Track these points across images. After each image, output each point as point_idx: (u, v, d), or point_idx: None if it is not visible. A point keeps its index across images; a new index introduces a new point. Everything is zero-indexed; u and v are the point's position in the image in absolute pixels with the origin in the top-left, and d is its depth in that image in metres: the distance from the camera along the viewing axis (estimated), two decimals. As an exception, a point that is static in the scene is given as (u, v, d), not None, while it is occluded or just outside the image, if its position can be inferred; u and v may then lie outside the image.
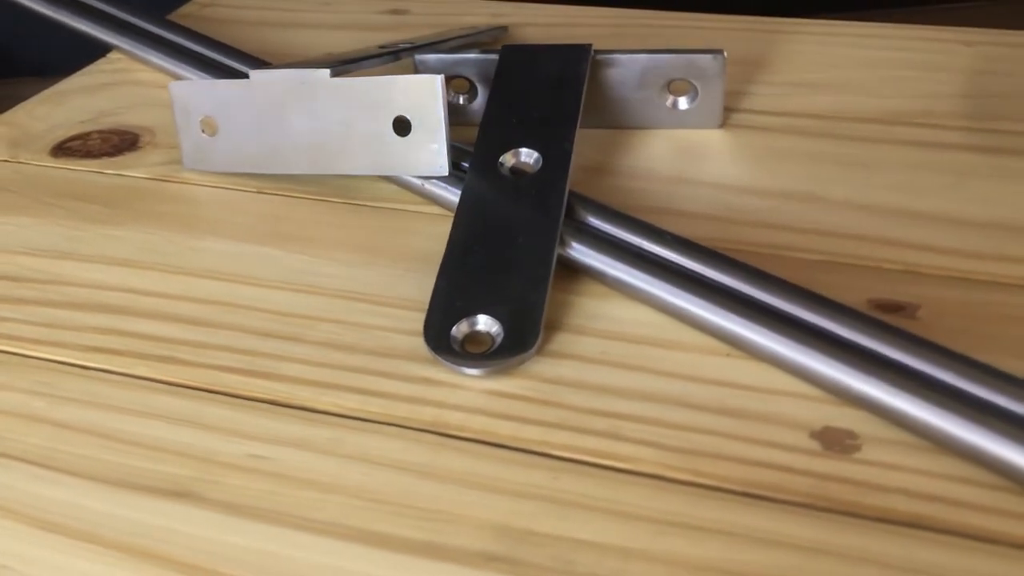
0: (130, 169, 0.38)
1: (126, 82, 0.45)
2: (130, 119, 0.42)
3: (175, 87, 0.36)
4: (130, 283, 0.32)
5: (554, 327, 0.29)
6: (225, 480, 0.25)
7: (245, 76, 0.35)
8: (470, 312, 0.28)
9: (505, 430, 0.26)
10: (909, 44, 0.43)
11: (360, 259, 0.32)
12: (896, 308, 0.28)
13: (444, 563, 0.22)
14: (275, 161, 0.35)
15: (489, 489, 0.24)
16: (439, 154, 0.33)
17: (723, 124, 0.38)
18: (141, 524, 0.24)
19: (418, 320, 0.28)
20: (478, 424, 0.26)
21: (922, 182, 0.34)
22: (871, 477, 0.24)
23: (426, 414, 0.26)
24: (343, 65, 0.35)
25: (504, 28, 0.46)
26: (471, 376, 0.27)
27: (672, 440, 0.25)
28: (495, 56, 0.38)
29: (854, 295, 0.29)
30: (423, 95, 0.32)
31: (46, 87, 0.44)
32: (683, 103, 0.38)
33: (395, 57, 0.38)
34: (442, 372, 0.27)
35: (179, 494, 0.24)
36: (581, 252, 0.30)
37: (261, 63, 0.42)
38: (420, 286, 0.30)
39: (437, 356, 0.27)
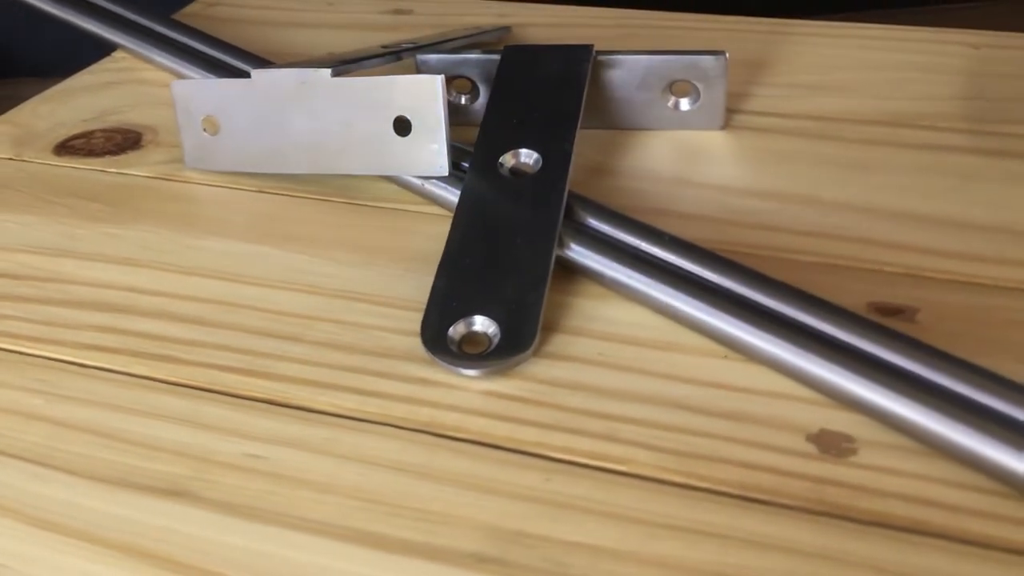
0: (132, 168, 0.38)
1: (130, 81, 0.45)
2: (134, 118, 0.42)
3: (177, 86, 0.36)
4: (129, 282, 0.32)
5: (552, 328, 0.29)
6: (221, 479, 0.25)
7: (247, 75, 0.35)
8: (467, 313, 0.28)
9: (501, 431, 0.26)
10: (913, 46, 0.43)
11: (360, 259, 0.32)
12: (895, 311, 0.28)
13: (437, 564, 0.22)
14: (276, 160, 0.35)
15: (484, 490, 0.24)
16: (439, 154, 0.33)
17: (725, 125, 0.38)
18: (137, 523, 0.24)
19: (417, 320, 0.28)
20: (474, 425, 0.26)
21: (925, 185, 0.34)
22: (867, 481, 0.23)
23: (423, 414, 0.26)
24: (344, 65, 0.35)
25: (507, 28, 0.46)
26: (468, 377, 0.27)
27: (668, 442, 0.25)
28: (497, 56, 0.38)
29: (853, 298, 0.29)
30: (423, 95, 0.32)
31: (46, 87, 0.44)
32: (685, 104, 0.38)
33: (397, 57, 0.38)
34: (439, 373, 0.27)
35: (176, 493, 0.24)
36: (579, 253, 0.30)
37: (265, 63, 0.42)
38: (419, 286, 0.30)
39: (434, 357, 0.27)
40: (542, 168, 0.33)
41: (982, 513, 0.23)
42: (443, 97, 0.32)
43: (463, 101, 0.39)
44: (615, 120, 0.38)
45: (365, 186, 0.36)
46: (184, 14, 0.51)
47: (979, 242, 0.31)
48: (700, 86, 0.37)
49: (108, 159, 0.39)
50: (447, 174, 0.33)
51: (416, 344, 0.28)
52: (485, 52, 0.39)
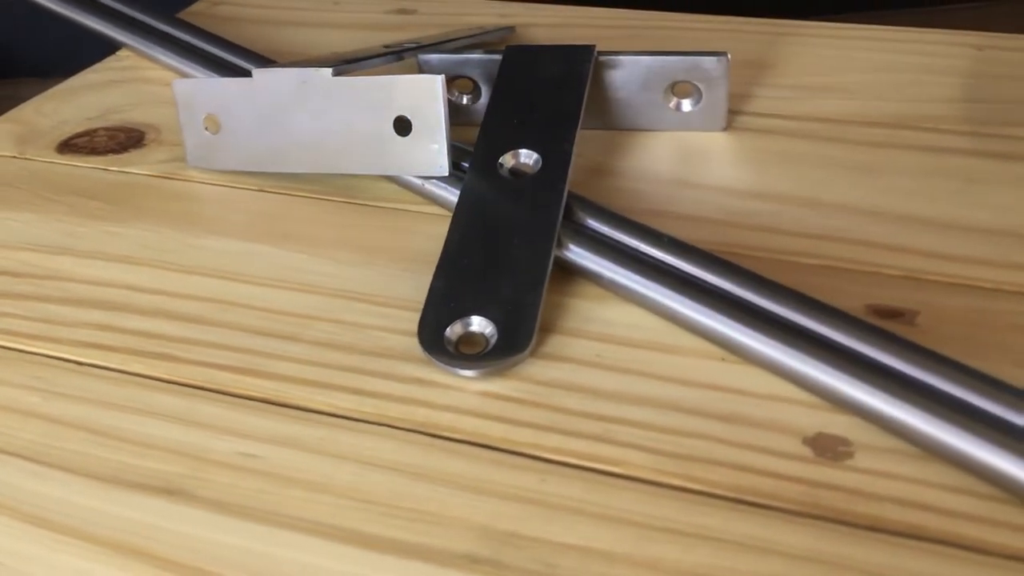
0: (134, 166, 0.38)
1: (134, 79, 0.45)
2: (137, 116, 0.42)
3: (179, 85, 0.36)
4: (128, 280, 0.32)
5: (549, 329, 0.29)
6: (216, 478, 0.25)
7: (249, 74, 0.35)
8: (465, 313, 0.28)
9: (496, 432, 0.25)
10: (916, 47, 0.43)
11: (359, 258, 0.32)
12: (894, 314, 0.28)
13: (429, 565, 0.22)
14: (277, 160, 0.35)
15: (478, 491, 0.24)
16: (439, 154, 0.33)
17: (727, 127, 0.38)
18: (131, 521, 0.24)
19: (414, 320, 0.28)
20: (470, 425, 0.26)
21: (929, 187, 0.34)
22: (863, 485, 0.23)
23: (418, 415, 0.26)
24: (346, 64, 0.35)
25: (511, 28, 0.46)
26: (464, 377, 0.27)
27: (664, 444, 0.25)
28: (498, 56, 0.38)
29: (852, 300, 0.28)
30: (424, 95, 0.32)
31: (46, 87, 0.44)
32: (687, 105, 0.37)
33: (399, 57, 0.38)
34: (436, 373, 0.27)
35: (170, 492, 0.24)
36: (578, 254, 0.30)
37: (268, 62, 0.42)
38: (418, 286, 0.30)
39: (431, 357, 0.27)
40: (542, 168, 0.33)
41: (979, 518, 0.22)
42: (443, 97, 0.32)
43: (465, 101, 0.39)
44: (616, 121, 0.38)
45: (365, 186, 0.36)
46: (188, 13, 0.51)
47: (982, 245, 0.31)
48: (702, 87, 0.37)
49: (110, 157, 0.39)
50: (447, 174, 0.33)
51: (414, 344, 0.28)
52: (487, 52, 0.38)
